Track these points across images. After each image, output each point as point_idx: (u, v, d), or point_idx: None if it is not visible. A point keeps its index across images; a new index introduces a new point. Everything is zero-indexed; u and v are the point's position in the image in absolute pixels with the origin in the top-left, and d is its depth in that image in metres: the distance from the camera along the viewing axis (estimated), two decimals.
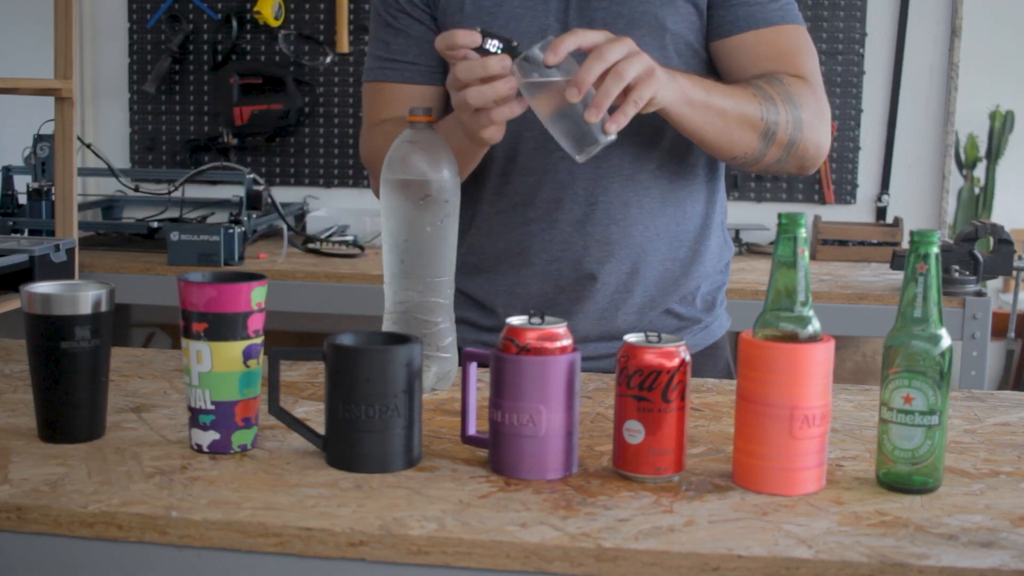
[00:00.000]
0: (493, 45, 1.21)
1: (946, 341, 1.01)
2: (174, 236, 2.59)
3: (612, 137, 1.19)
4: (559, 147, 1.25)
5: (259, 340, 1.09)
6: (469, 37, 1.20)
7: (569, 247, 1.44)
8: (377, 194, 1.34)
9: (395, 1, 1.48)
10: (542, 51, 1.18)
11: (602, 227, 1.43)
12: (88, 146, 2.84)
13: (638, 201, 1.43)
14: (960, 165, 3.26)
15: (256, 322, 1.09)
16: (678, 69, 1.31)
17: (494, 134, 1.25)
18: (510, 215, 1.46)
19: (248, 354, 1.08)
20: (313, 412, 1.23)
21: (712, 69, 1.45)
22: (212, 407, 1.08)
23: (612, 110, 1.18)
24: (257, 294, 1.08)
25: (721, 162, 1.52)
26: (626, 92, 1.18)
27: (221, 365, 1.07)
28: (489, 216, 1.48)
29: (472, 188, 1.47)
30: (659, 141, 1.43)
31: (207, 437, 1.08)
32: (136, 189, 2.91)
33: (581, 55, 1.19)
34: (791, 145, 1.37)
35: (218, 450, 1.08)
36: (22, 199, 2.77)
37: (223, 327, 1.06)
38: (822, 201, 3.21)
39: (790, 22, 1.43)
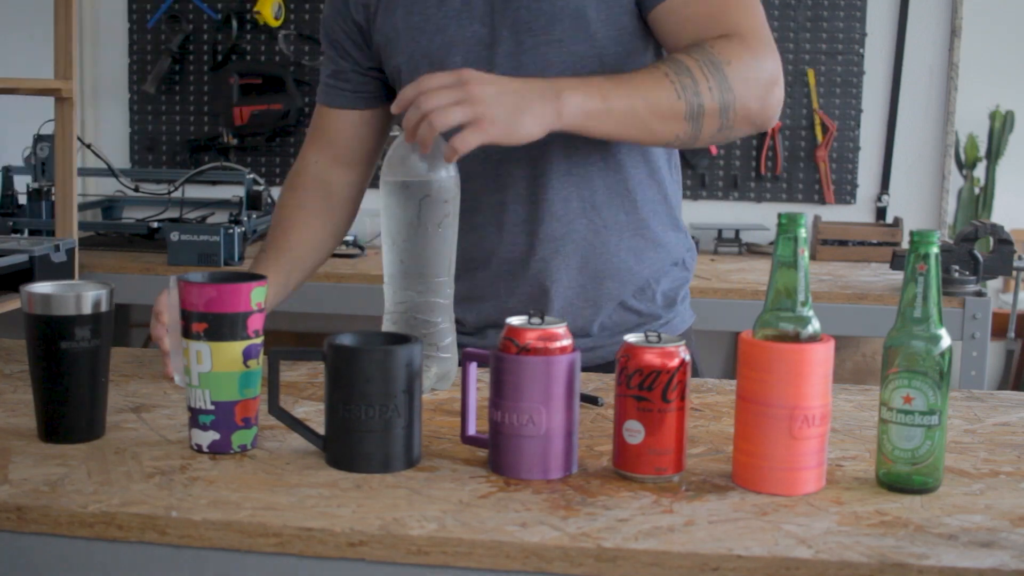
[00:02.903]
0: None
1: (946, 341, 1.01)
2: (174, 236, 2.59)
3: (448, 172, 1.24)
4: (499, 152, 1.32)
5: (259, 340, 1.09)
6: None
7: (516, 247, 1.45)
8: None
9: (332, 27, 1.52)
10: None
11: (546, 225, 1.43)
12: (88, 146, 2.84)
13: (579, 195, 1.43)
14: (960, 165, 3.26)
15: (256, 322, 1.09)
16: (587, 77, 1.28)
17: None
18: (460, 221, 1.47)
19: (248, 354, 1.08)
20: (313, 412, 1.23)
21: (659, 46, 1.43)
22: (212, 407, 1.08)
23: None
24: (257, 294, 1.08)
25: (674, 153, 1.51)
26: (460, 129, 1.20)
27: (221, 365, 1.07)
28: None
29: None
30: (594, 140, 1.42)
31: (207, 437, 1.08)
32: (136, 189, 2.91)
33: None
34: (725, 110, 1.30)
35: (218, 450, 1.08)
36: (22, 199, 2.78)
37: (223, 327, 1.06)
38: (822, 201, 3.21)
39: None
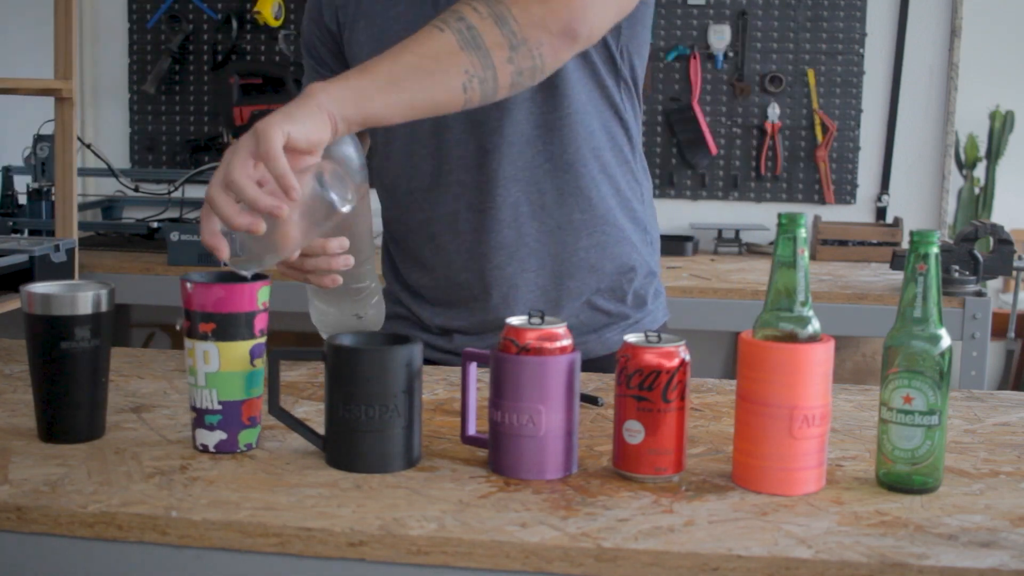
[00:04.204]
0: None
1: (946, 341, 1.01)
2: (174, 236, 2.59)
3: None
4: (451, 164, 1.39)
5: (263, 339, 1.10)
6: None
7: (473, 254, 1.45)
8: None
9: (309, 37, 1.52)
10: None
11: (497, 232, 1.43)
12: (88, 146, 2.84)
13: (528, 199, 1.43)
14: (960, 165, 3.26)
15: (261, 322, 1.09)
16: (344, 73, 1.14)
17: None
18: (417, 233, 1.49)
19: (254, 353, 1.08)
20: (313, 412, 1.23)
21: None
22: (219, 407, 1.08)
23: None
24: (263, 294, 1.08)
25: (627, 149, 1.48)
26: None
27: (228, 365, 1.07)
28: (402, 236, 1.52)
29: (385, 209, 1.54)
30: (537, 141, 1.42)
31: (213, 437, 1.08)
32: (136, 189, 2.91)
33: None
34: (503, 22, 1.15)
35: (225, 449, 1.08)
36: (22, 199, 2.78)
37: (231, 327, 1.06)
38: (822, 201, 3.21)
39: None
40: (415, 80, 1.12)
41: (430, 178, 1.45)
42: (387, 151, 1.50)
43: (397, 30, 1.38)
